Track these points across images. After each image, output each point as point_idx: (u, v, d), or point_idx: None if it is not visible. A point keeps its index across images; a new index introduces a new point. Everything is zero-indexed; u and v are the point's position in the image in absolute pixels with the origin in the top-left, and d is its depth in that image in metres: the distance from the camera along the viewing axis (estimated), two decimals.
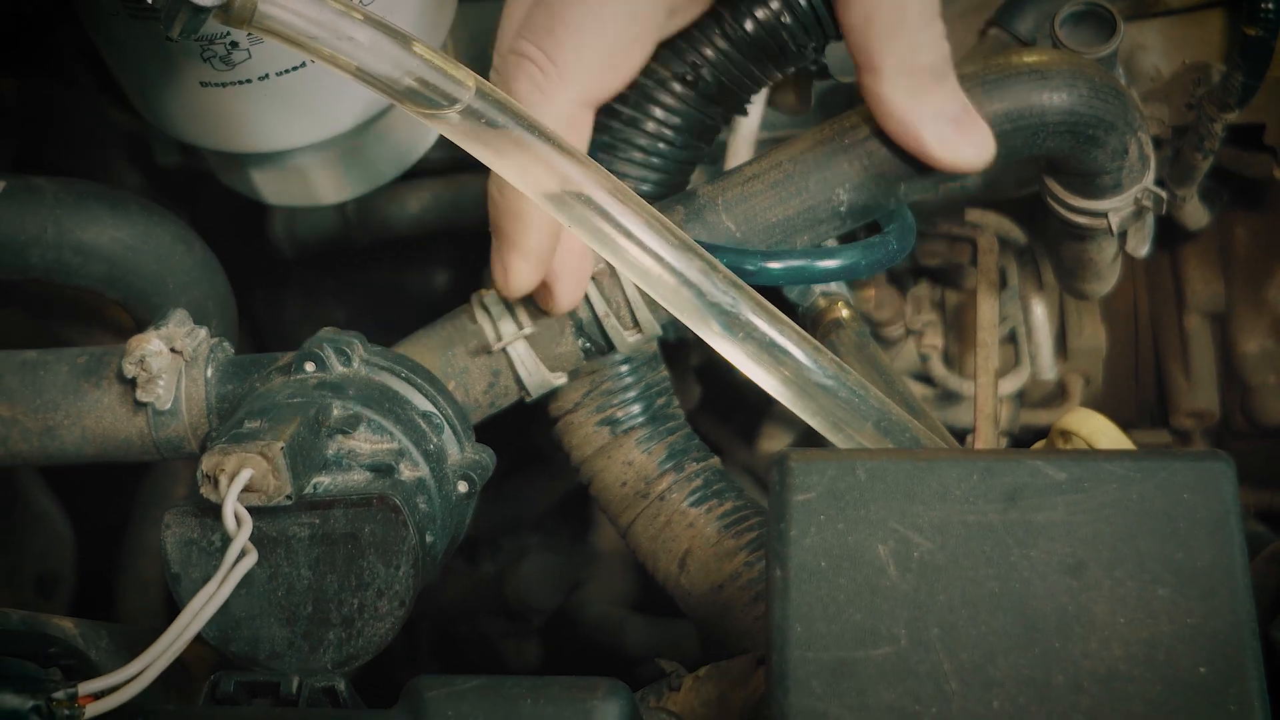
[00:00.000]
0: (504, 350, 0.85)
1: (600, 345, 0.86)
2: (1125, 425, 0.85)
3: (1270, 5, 0.97)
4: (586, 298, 0.85)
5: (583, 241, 0.75)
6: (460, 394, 0.86)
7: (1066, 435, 0.85)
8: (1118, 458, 0.59)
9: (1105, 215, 0.97)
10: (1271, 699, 0.54)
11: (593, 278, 0.85)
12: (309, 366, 0.79)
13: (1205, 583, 0.56)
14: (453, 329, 0.87)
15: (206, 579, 0.68)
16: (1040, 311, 1.24)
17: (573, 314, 0.85)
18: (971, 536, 0.58)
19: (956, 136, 0.83)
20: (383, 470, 0.76)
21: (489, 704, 0.60)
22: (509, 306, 0.86)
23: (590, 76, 0.80)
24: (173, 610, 0.67)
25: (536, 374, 0.86)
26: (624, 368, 0.93)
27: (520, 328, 0.85)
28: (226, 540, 0.68)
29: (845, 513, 0.59)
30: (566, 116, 0.79)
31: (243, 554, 0.68)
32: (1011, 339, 1.31)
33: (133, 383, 0.81)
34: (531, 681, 0.61)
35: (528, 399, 0.87)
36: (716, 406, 1.47)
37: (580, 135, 0.81)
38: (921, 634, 0.56)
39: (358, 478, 0.75)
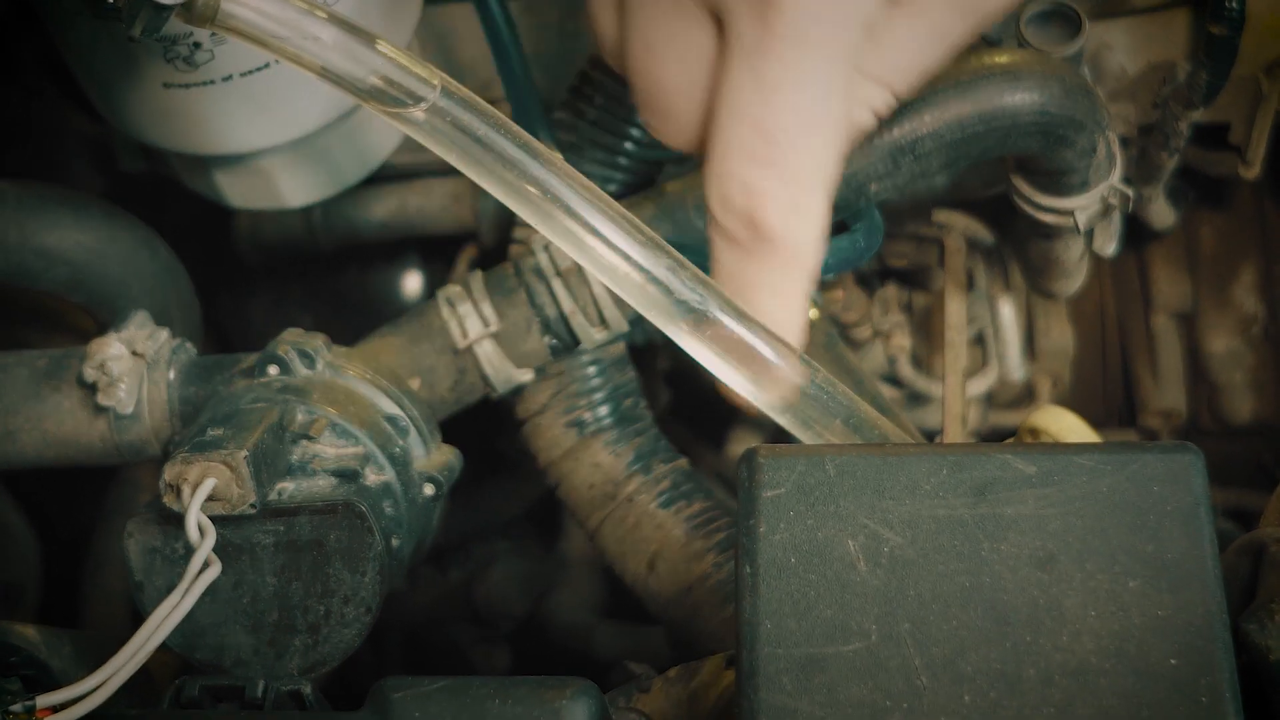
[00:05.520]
0: (470, 348, 0.85)
1: (567, 342, 0.86)
2: (1093, 425, 0.85)
3: (1234, 4, 0.97)
4: (553, 295, 0.84)
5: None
6: (426, 391, 0.85)
7: (1036, 433, 0.84)
8: (1087, 451, 0.59)
9: (1072, 213, 0.97)
10: (1242, 690, 0.54)
11: (559, 274, 0.84)
12: (272, 370, 0.78)
13: (1176, 574, 0.56)
14: (419, 326, 0.86)
15: (170, 587, 0.67)
16: (1008, 312, 1.24)
17: (540, 311, 0.85)
18: (941, 531, 0.58)
19: None
20: (348, 475, 0.75)
21: (456, 704, 0.60)
22: (475, 305, 0.85)
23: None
24: (139, 623, 0.66)
25: (503, 371, 0.85)
26: (591, 369, 0.92)
27: (486, 325, 0.85)
28: (190, 548, 0.67)
29: (815, 508, 0.59)
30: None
31: (206, 565, 0.67)
32: (979, 340, 1.31)
33: (93, 387, 0.80)
34: (499, 681, 0.61)
35: (494, 396, 0.87)
36: (685, 411, 1.46)
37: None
38: (892, 629, 0.56)
39: (322, 483, 0.75)
